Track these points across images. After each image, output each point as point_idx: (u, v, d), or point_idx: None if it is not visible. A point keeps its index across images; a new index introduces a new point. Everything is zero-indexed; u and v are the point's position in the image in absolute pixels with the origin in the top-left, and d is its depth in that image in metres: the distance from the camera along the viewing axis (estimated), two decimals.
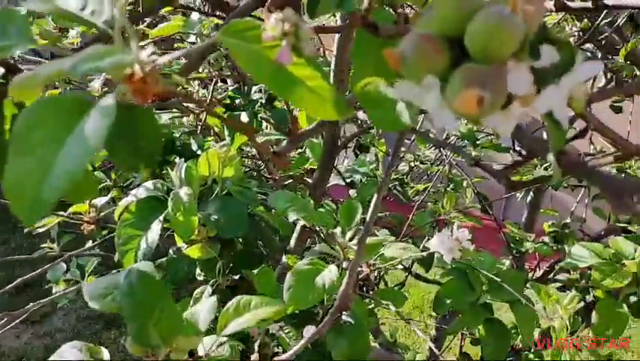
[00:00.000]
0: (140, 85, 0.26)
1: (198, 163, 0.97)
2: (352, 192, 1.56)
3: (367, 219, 0.47)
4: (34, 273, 1.15)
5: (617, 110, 1.81)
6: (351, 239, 0.64)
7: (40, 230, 1.14)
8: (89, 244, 1.26)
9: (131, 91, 0.26)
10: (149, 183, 0.97)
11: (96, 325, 2.76)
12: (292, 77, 0.26)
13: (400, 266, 1.33)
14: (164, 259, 1.14)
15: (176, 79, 0.28)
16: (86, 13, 0.29)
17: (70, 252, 1.23)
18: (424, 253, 0.72)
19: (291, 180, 1.32)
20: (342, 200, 1.73)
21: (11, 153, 0.23)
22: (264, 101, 1.39)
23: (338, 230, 0.65)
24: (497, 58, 0.22)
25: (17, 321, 1.04)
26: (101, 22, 0.29)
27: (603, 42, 0.98)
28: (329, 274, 0.58)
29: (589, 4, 0.57)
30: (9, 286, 1.11)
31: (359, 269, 0.86)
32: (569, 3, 0.58)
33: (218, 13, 1.06)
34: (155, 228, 0.88)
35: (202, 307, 0.49)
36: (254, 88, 1.44)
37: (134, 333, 0.43)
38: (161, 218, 0.89)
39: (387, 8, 0.41)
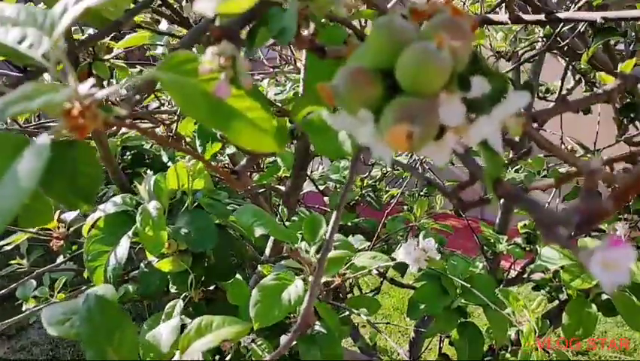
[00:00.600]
0: (77, 121, 0.26)
1: (167, 176, 0.96)
2: (327, 198, 1.57)
3: (327, 236, 0.48)
4: (3, 291, 1.13)
5: (586, 111, 1.85)
6: (317, 252, 0.64)
7: (8, 248, 1.12)
8: (60, 258, 1.24)
9: (68, 127, 0.26)
10: (118, 198, 0.96)
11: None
12: (231, 110, 0.26)
13: (375, 271, 1.33)
14: (136, 272, 1.14)
15: (118, 111, 0.27)
16: (23, 46, 0.28)
17: (39, 268, 1.21)
18: (393, 263, 0.72)
19: (263, 189, 1.32)
20: (317, 207, 1.74)
21: None
22: None
23: (303, 245, 0.65)
24: (427, 91, 0.23)
25: None
26: (39, 56, 0.28)
27: (566, 48, 1.00)
28: (295, 289, 0.58)
29: (542, 17, 0.58)
30: None
31: (331, 279, 0.87)
32: (523, 16, 0.59)
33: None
34: (124, 243, 0.88)
35: (164, 329, 0.48)
36: None
37: (92, 359, 0.43)
38: (130, 233, 0.89)
39: (340, 26, 0.41)
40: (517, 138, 0.31)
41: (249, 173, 1.59)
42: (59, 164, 0.25)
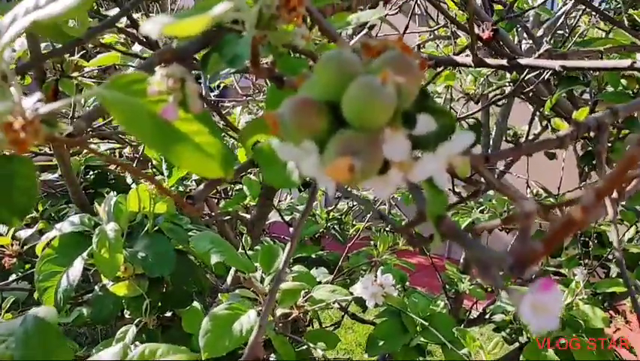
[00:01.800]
0: (17, 135, 0.25)
1: (128, 198, 0.95)
2: (292, 229, 1.56)
3: (280, 267, 0.47)
4: None
5: (551, 156, 1.89)
6: (270, 283, 0.63)
7: None
8: (13, 277, 1.20)
9: (8, 141, 0.25)
10: (76, 218, 0.94)
11: None
12: (177, 133, 0.25)
13: (336, 305, 1.32)
14: (90, 295, 1.10)
15: (63, 127, 0.27)
16: None
17: None
18: (351, 297, 0.72)
19: (228, 217, 1.30)
20: (282, 237, 1.72)
21: None
22: None
23: (258, 274, 0.64)
24: (371, 125, 0.23)
25: None
26: None
27: (531, 94, 1.02)
28: (248, 319, 0.57)
29: (504, 62, 0.60)
30: None
31: (289, 311, 0.86)
32: (486, 60, 0.61)
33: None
34: (78, 265, 0.85)
35: (106, 355, 0.47)
36: None
37: None
38: (85, 255, 0.86)
39: (299, 56, 0.42)
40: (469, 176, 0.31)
41: (216, 200, 1.57)
42: None
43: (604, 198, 0.19)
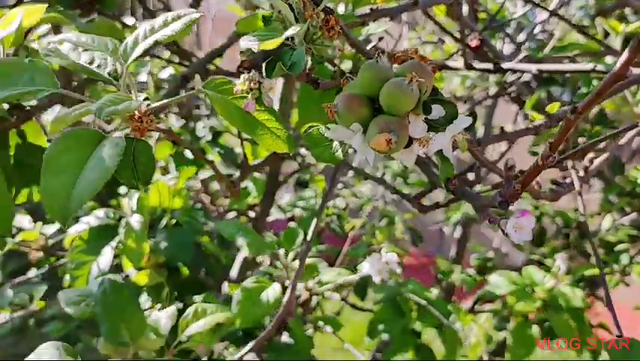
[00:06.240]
0: (139, 124, 0.35)
1: (149, 194, 1.03)
2: (292, 224, 1.65)
3: (308, 238, 0.56)
4: None
5: (535, 154, 2.00)
6: (293, 260, 0.73)
7: None
8: (32, 272, 1.28)
9: (132, 128, 0.35)
10: (101, 212, 1.02)
11: None
12: (256, 121, 0.35)
13: (336, 297, 1.41)
14: None
15: (168, 121, 0.36)
16: (93, 66, 0.37)
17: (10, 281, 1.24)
18: (357, 277, 0.81)
19: (235, 214, 1.39)
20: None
21: (45, 172, 0.31)
22: (210, 139, 1.47)
23: (282, 251, 0.73)
24: (400, 112, 0.32)
25: None
26: (105, 74, 0.37)
27: (512, 95, 1.13)
28: (273, 291, 0.66)
29: (490, 66, 0.70)
30: None
31: (298, 294, 0.95)
32: (475, 64, 0.71)
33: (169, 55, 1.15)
34: (108, 253, 0.94)
35: (163, 314, 0.56)
36: (199, 124, 1.52)
37: (106, 333, 0.50)
38: (113, 244, 0.95)
39: (326, 65, 0.51)
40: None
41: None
42: (126, 155, 0.34)
43: (556, 151, 0.28)
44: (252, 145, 1.27)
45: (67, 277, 1.12)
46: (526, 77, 1.14)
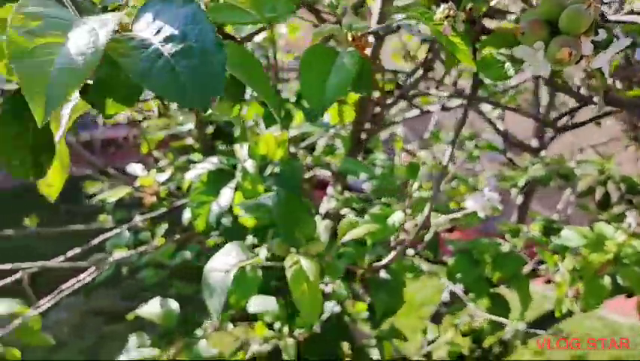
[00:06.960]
0: (358, 43, 0.45)
1: (258, 144, 1.14)
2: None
3: (445, 163, 0.66)
4: (96, 241, 1.29)
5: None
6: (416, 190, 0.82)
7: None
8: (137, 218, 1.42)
9: (354, 46, 0.45)
10: (215, 159, 1.14)
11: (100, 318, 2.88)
12: (453, 38, 0.44)
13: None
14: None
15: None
16: None
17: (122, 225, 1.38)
18: (464, 212, 0.87)
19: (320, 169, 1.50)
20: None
21: (302, 71, 0.41)
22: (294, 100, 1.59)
23: (410, 182, 0.82)
24: (576, 33, 0.41)
25: None
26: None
27: None
28: (397, 217, 0.76)
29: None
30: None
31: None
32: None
33: None
34: (228, 193, 1.05)
35: (321, 226, 0.66)
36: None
37: (284, 235, 0.60)
38: (232, 185, 1.06)
39: None
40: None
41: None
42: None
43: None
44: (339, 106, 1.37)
45: (186, 215, 1.25)
46: None
